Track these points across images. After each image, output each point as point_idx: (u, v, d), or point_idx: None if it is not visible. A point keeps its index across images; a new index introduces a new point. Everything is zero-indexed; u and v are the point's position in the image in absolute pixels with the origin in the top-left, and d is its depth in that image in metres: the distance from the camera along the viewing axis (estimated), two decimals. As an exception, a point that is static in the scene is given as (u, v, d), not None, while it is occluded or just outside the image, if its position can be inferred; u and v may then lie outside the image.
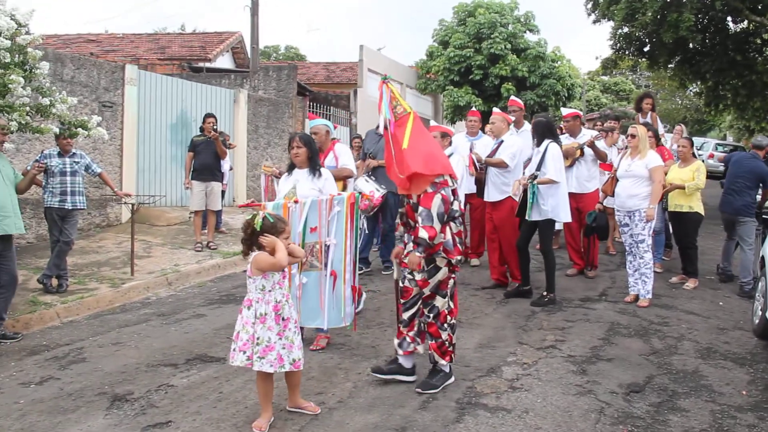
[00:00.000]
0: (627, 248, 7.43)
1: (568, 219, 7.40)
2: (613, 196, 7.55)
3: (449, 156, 6.51)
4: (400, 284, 4.87)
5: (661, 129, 10.44)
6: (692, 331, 6.40)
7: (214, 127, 9.92)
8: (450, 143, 6.59)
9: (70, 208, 7.39)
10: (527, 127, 8.48)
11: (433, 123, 6.88)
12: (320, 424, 4.27)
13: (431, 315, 4.74)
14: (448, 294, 4.80)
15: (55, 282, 7.44)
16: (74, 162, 7.46)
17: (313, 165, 5.65)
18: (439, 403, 4.60)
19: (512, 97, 9.07)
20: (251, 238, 4.15)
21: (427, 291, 4.72)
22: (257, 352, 4.07)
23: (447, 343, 4.80)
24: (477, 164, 7.95)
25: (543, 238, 7.28)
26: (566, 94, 25.15)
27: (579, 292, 7.68)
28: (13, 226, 6.16)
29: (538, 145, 7.20)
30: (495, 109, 8.02)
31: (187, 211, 11.42)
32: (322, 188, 5.51)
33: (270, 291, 4.13)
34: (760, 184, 8.10)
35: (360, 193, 5.23)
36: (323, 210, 5.24)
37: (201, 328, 6.48)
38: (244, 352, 4.10)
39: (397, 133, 4.64)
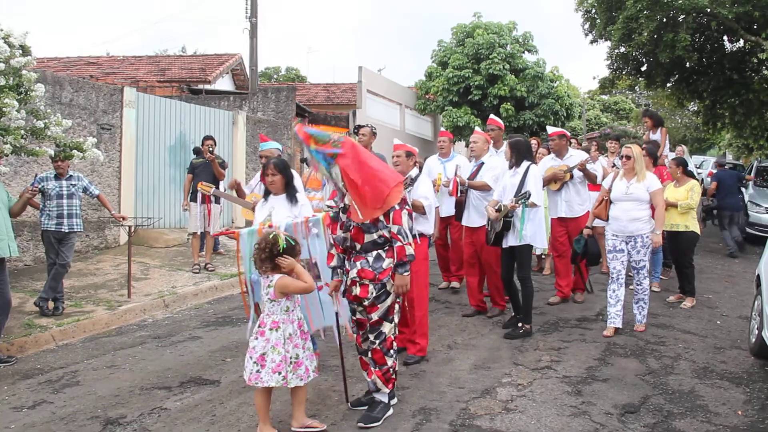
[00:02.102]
0: (614, 275, 6.83)
1: (545, 245, 7.29)
2: (607, 220, 6.95)
3: (416, 177, 6.05)
4: (353, 317, 4.80)
5: (666, 148, 10.36)
6: (689, 350, 6.37)
7: (211, 149, 9.96)
8: (415, 163, 6.13)
9: (67, 231, 7.40)
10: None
11: (396, 141, 6.49)
12: None
13: (377, 341, 4.64)
14: (395, 320, 4.73)
15: (51, 305, 7.43)
16: (71, 184, 7.48)
17: (290, 191, 5.43)
18: (432, 425, 4.57)
19: (491, 116, 8.67)
20: (269, 258, 4.28)
21: (375, 317, 4.62)
22: (290, 370, 4.25)
23: (391, 370, 4.72)
24: (460, 187, 7.60)
25: (522, 264, 6.79)
26: (565, 114, 25.20)
27: (576, 312, 7.65)
28: (7, 249, 6.18)
29: (517, 165, 6.78)
30: (476, 128, 7.83)
31: (185, 233, 11.43)
32: (299, 215, 5.32)
33: (293, 310, 4.36)
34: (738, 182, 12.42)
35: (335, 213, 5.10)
36: (299, 232, 5.07)
37: (196, 351, 6.46)
38: (279, 373, 4.23)
39: (351, 161, 4.48)
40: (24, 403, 5.13)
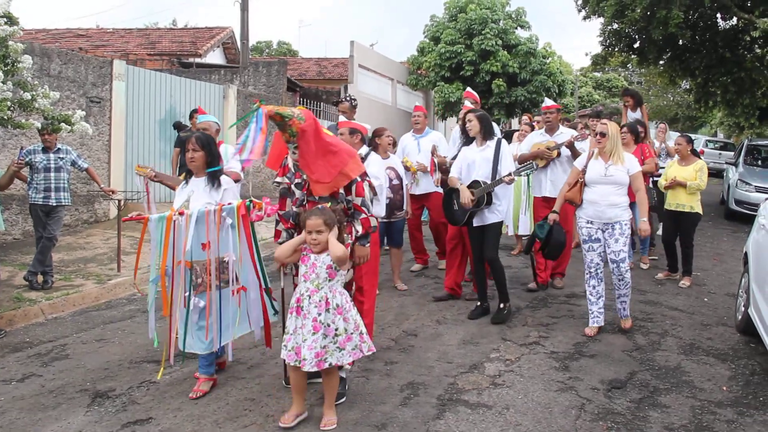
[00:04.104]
0: (591, 270, 6.13)
1: (510, 222, 6.83)
2: (580, 204, 6.18)
3: (365, 156, 5.75)
4: None
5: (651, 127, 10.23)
6: (676, 327, 6.42)
7: None
8: (362, 141, 5.77)
9: (54, 204, 7.36)
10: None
11: (342, 119, 6.25)
12: (301, 420, 4.27)
13: None
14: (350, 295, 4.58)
15: (40, 278, 7.42)
16: (59, 158, 7.42)
17: (212, 173, 4.82)
18: (420, 399, 4.61)
19: (468, 89, 8.27)
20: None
21: None
22: (284, 339, 4.15)
23: None
24: (442, 166, 7.32)
25: (490, 243, 6.39)
26: (557, 91, 25.16)
27: (565, 288, 7.68)
28: (-7, 223, 6.15)
29: (486, 139, 6.39)
30: (466, 103, 7.51)
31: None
32: (221, 201, 4.72)
33: (302, 282, 4.16)
34: None
35: (251, 200, 4.55)
36: (212, 223, 4.52)
37: (185, 325, 6.46)
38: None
39: (309, 134, 4.31)
40: (13, 375, 5.13)
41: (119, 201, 8.63)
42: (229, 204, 4.59)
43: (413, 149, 8.00)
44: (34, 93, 6.72)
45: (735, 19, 16.84)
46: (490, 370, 5.19)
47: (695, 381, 5.06)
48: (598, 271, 6.11)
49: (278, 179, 4.80)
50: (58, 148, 7.48)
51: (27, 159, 7.18)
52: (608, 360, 5.45)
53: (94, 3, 74.73)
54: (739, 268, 7.91)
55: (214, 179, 4.79)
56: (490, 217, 6.32)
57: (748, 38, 17.35)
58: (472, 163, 6.42)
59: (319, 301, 4.06)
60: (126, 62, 12.66)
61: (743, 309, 6.12)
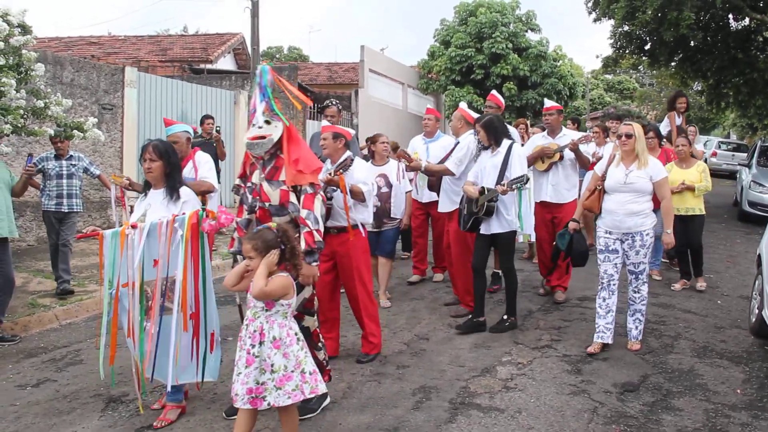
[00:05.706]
0: (604, 281, 5.72)
1: (531, 231, 6.55)
2: (599, 213, 5.82)
3: (351, 162, 5.33)
4: None
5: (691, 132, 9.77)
6: (689, 329, 6.39)
7: (218, 127, 9.92)
8: (345, 144, 5.40)
9: (67, 210, 7.42)
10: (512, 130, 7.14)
11: (324, 123, 6.03)
12: (313, 425, 4.28)
13: (303, 336, 4.08)
14: (316, 312, 4.51)
15: (54, 284, 7.46)
16: (71, 165, 7.48)
17: (171, 184, 4.45)
18: (432, 403, 4.61)
19: (493, 92, 8.04)
20: None
21: (294, 311, 4.07)
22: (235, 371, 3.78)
23: (325, 362, 4.59)
24: (417, 169, 7.05)
25: (505, 253, 6.29)
26: (568, 93, 25.12)
27: (576, 292, 7.65)
28: (6, 230, 6.21)
29: (496, 145, 6.17)
30: (461, 104, 7.28)
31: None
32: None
33: (247, 310, 3.81)
34: None
35: (204, 209, 4.22)
36: (164, 235, 4.17)
37: (198, 330, 6.48)
38: None
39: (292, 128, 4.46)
40: (28, 381, 5.18)
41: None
42: (183, 214, 4.22)
43: (421, 155, 7.70)
44: (47, 101, 6.78)
45: (747, 19, 16.73)
46: (503, 373, 5.19)
47: (709, 384, 5.04)
48: (611, 282, 5.71)
49: (237, 180, 4.64)
50: (71, 155, 7.54)
51: (40, 166, 7.23)
52: (621, 363, 5.43)
53: (105, 11, 75.35)
54: (752, 270, 7.83)
55: (173, 191, 4.43)
56: (495, 226, 6.09)
57: (761, 39, 17.24)
58: (483, 170, 6.24)
59: (254, 332, 3.68)
60: (137, 69, 12.77)
61: (757, 311, 6.08)
